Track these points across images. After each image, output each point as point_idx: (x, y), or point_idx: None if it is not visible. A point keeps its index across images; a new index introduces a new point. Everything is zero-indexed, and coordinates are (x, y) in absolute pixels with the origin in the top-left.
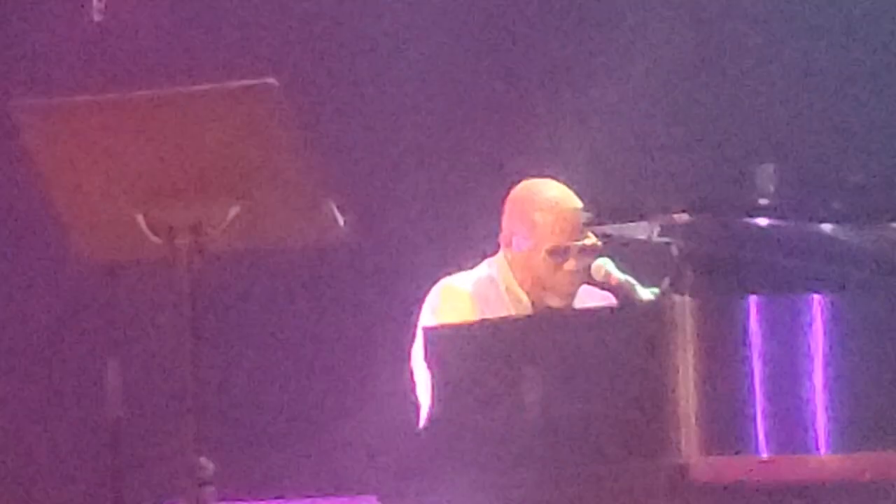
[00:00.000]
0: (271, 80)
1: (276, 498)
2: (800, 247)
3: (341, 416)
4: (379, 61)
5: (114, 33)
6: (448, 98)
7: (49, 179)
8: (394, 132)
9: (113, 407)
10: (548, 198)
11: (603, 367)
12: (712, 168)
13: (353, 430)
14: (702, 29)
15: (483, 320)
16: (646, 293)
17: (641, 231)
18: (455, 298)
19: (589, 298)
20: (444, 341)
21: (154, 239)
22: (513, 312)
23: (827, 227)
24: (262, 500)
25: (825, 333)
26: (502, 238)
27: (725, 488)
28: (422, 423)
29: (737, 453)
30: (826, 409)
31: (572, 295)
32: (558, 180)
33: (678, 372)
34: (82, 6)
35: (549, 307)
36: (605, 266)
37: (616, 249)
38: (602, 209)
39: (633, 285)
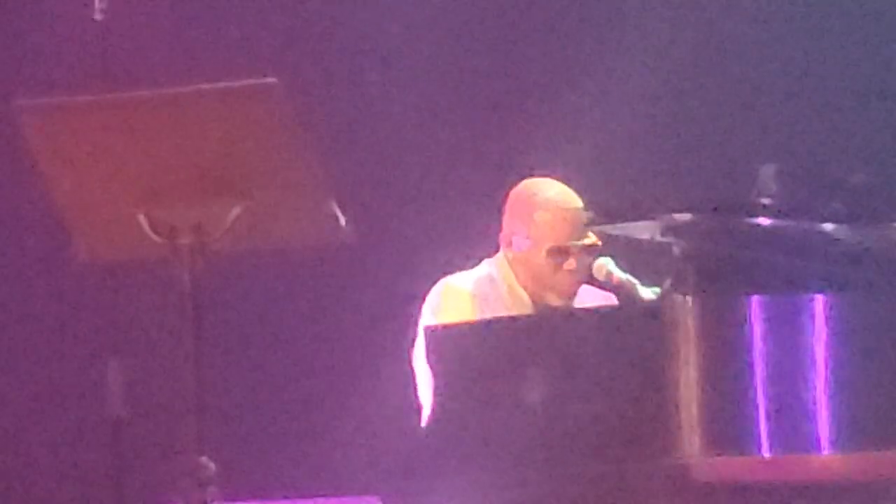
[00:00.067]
0: (273, 80)
1: (278, 498)
2: (801, 247)
3: (343, 416)
4: (380, 61)
5: (115, 33)
6: (449, 98)
7: (50, 179)
8: (395, 132)
9: (114, 407)
10: (548, 197)
11: (604, 367)
12: (714, 168)
13: (354, 430)
14: (704, 29)
15: (484, 319)
16: (647, 293)
17: (643, 231)
18: (455, 298)
19: (589, 298)
20: (445, 341)
21: (156, 239)
22: (513, 312)
23: (829, 227)
24: (263, 500)
25: (827, 333)
26: (502, 237)
27: (727, 488)
28: (423, 423)
29: (739, 453)
30: (828, 408)
31: (572, 294)
32: (559, 180)
33: (680, 372)
34: (84, 6)
35: (551, 306)
36: (606, 265)
37: (618, 249)
38: (604, 209)
39: (634, 285)
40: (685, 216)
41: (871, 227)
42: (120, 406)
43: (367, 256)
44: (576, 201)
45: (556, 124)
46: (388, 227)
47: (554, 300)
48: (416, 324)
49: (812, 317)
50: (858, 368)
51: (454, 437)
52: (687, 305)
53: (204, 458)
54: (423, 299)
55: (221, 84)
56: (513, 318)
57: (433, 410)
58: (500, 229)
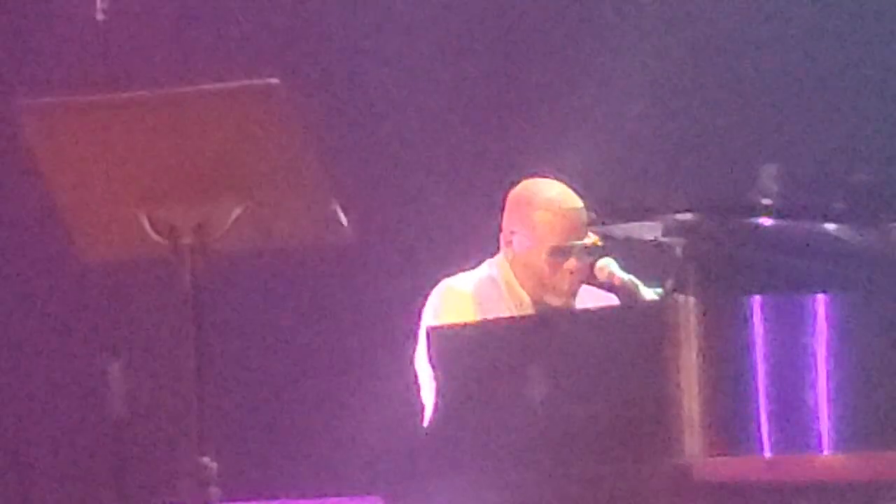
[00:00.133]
0: (274, 81)
1: (280, 498)
2: (803, 247)
3: (345, 416)
4: (381, 61)
5: (117, 33)
6: (450, 98)
7: (52, 179)
8: (396, 132)
9: (115, 407)
10: (548, 197)
11: (606, 368)
12: (716, 168)
13: (356, 430)
14: (705, 28)
15: (486, 320)
16: (649, 293)
17: (645, 231)
18: (456, 299)
19: (589, 298)
20: (446, 341)
21: (157, 239)
22: (514, 312)
23: (830, 227)
24: (265, 500)
25: (828, 333)
26: (503, 238)
27: (729, 488)
28: (425, 423)
29: (740, 453)
30: (829, 408)
31: (573, 294)
32: (561, 180)
33: (681, 372)
34: (85, 6)
35: (553, 307)
36: (608, 266)
37: (620, 249)
38: (606, 209)
39: (636, 285)
40: (686, 216)
41: (873, 227)
42: (121, 406)
43: (368, 256)
44: (576, 201)
45: (557, 124)
46: (389, 228)
47: (554, 300)
48: (417, 325)
49: (813, 317)
50: (859, 368)
51: (456, 436)
52: (688, 306)
53: (205, 459)
54: (425, 300)
55: (223, 84)
56: (514, 319)
57: (434, 410)
58: (500, 229)
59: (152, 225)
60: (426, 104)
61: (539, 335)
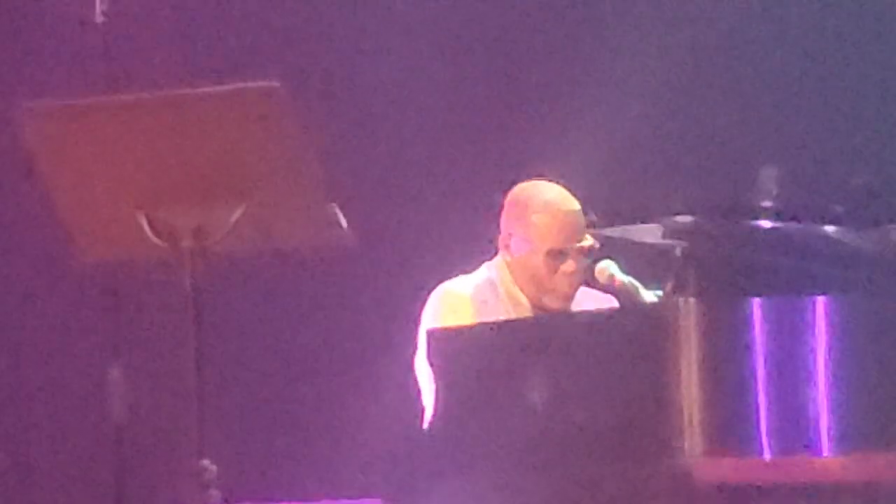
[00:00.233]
0: (274, 83)
1: (281, 501)
2: (803, 249)
3: (345, 418)
4: (381, 64)
5: (116, 35)
6: (449, 100)
7: (52, 181)
8: (395, 135)
9: (116, 410)
10: (545, 200)
11: (607, 369)
12: (715, 170)
13: (356, 432)
14: (705, 30)
15: (487, 322)
16: (649, 295)
17: (645, 233)
18: (455, 303)
19: (589, 300)
20: (447, 343)
21: (157, 241)
22: (512, 315)
23: (830, 230)
24: (265, 503)
25: (828, 335)
26: (501, 241)
27: (729, 490)
28: (426, 426)
29: (740, 455)
30: (829, 410)
31: (571, 297)
32: (561, 183)
33: (681, 374)
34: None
35: (552, 309)
36: (608, 268)
37: (620, 251)
38: (606, 211)
39: (636, 287)
40: (687, 218)
41: (872, 230)
42: (121, 409)
43: (368, 259)
44: (574, 203)
45: (556, 127)
46: (388, 230)
47: (552, 303)
48: (416, 328)
49: (813, 319)
50: (859, 370)
51: (456, 438)
52: (688, 307)
53: (206, 462)
54: (424, 303)
55: (223, 87)
56: (515, 321)
57: (435, 412)
58: (498, 232)
59: (152, 227)
60: (425, 107)
61: (540, 337)
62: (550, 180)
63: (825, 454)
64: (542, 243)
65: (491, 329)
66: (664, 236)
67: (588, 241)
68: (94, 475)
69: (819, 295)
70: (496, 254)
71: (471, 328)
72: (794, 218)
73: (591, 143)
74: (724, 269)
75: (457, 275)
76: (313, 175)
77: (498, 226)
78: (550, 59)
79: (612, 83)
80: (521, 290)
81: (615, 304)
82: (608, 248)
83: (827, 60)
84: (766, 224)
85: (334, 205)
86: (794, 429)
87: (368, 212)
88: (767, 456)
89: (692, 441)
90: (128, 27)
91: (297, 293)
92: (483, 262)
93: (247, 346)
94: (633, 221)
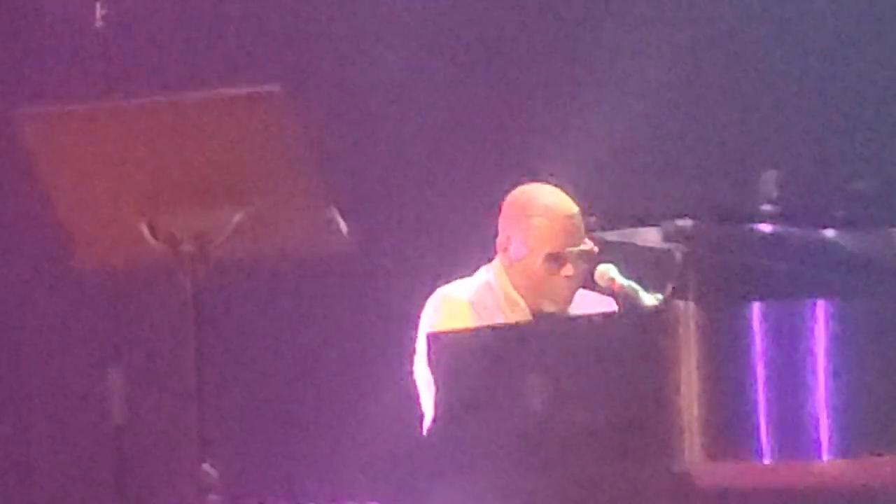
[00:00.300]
0: (274, 88)
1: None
2: (803, 253)
3: (345, 422)
4: (380, 69)
5: (116, 40)
6: (447, 105)
7: (52, 187)
8: (394, 139)
9: (116, 413)
10: (544, 203)
11: (607, 373)
12: (716, 174)
13: (356, 435)
14: (706, 34)
15: (487, 326)
16: (649, 299)
17: (645, 237)
18: (452, 307)
19: (588, 303)
20: (447, 347)
21: (157, 246)
22: (510, 319)
23: (830, 233)
24: None
25: (828, 339)
26: (499, 244)
27: (729, 494)
28: (425, 430)
29: (740, 459)
30: (829, 414)
31: (569, 300)
32: (561, 186)
33: (681, 378)
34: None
35: (551, 313)
36: (608, 272)
37: (620, 255)
38: (606, 215)
39: (636, 291)
40: (687, 222)
41: (873, 234)
42: (122, 413)
43: (367, 261)
44: (572, 207)
45: (555, 130)
46: (388, 234)
47: (550, 306)
48: (415, 332)
49: (813, 323)
50: (859, 374)
51: (456, 441)
52: (689, 311)
53: (206, 465)
54: (423, 306)
55: (223, 91)
56: (515, 325)
57: (435, 415)
58: (496, 235)
59: (153, 232)
60: (424, 112)
61: (540, 341)
62: (550, 183)
63: (825, 458)
64: (540, 247)
65: (491, 332)
66: (664, 240)
67: (587, 245)
68: (94, 477)
69: (819, 299)
70: (494, 257)
71: (470, 331)
72: (794, 222)
73: (591, 145)
74: (724, 273)
75: (456, 277)
76: (313, 179)
77: (496, 228)
78: (549, 64)
79: (612, 86)
80: (520, 293)
81: (613, 306)
82: (608, 252)
83: (827, 63)
84: (766, 228)
85: (334, 209)
86: (793, 432)
87: (368, 215)
88: (767, 459)
89: (692, 445)
90: (128, 32)
91: (296, 296)
92: (482, 264)
93: (247, 348)
94: (633, 225)
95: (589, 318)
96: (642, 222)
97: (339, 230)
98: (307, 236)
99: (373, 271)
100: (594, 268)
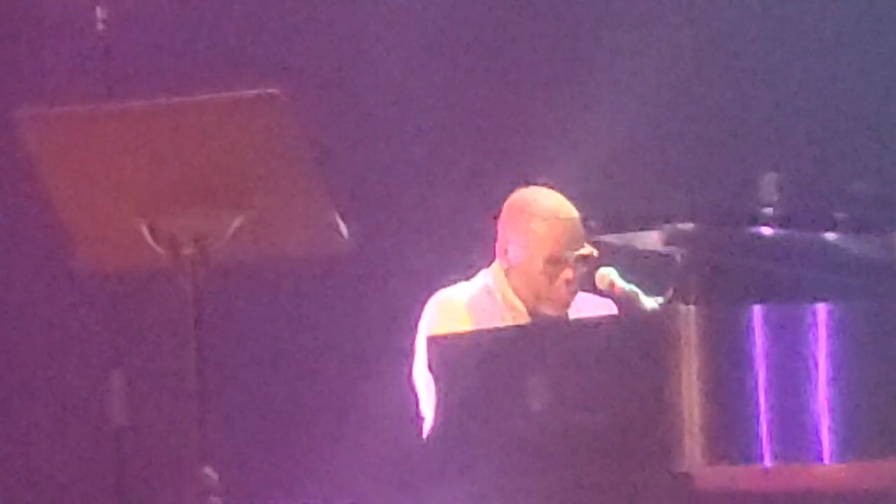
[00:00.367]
0: (274, 91)
1: None
2: (804, 256)
3: (346, 425)
4: (381, 72)
5: (117, 43)
6: (448, 109)
7: (52, 189)
8: (395, 142)
9: (116, 417)
10: (544, 207)
11: (607, 376)
12: (716, 177)
13: (358, 437)
14: (706, 38)
15: (488, 329)
16: (650, 302)
17: (646, 240)
18: (450, 310)
19: (587, 305)
20: (448, 350)
21: (158, 249)
22: (509, 322)
23: (831, 237)
24: None
25: (829, 342)
26: (498, 247)
27: (730, 497)
28: (425, 434)
29: (741, 462)
30: (830, 417)
31: (568, 304)
32: (562, 189)
33: (682, 381)
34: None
35: (553, 316)
36: (609, 275)
37: (621, 258)
38: (607, 218)
39: (637, 294)
40: (688, 225)
41: (874, 237)
42: (122, 416)
43: (368, 264)
44: (572, 211)
45: (556, 133)
46: (388, 236)
47: (550, 310)
48: (415, 335)
49: (814, 326)
50: (860, 377)
51: (456, 444)
52: (689, 315)
53: (207, 469)
54: (422, 310)
55: (224, 94)
56: (516, 328)
57: (435, 418)
58: (496, 239)
59: (153, 235)
60: (424, 114)
61: (541, 344)
62: (550, 186)
63: (826, 461)
64: (541, 251)
65: (492, 334)
66: (665, 243)
67: (587, 249)
68: (95, 480)
69: (820, 302)
70: (493, 260)
71: (471, 334)
72: (795, 225)
73: (591, 148)
74: (725, 277)
75: (457, 279)
76: (314, 182)
77: (496, 231)
78: (549, 67)
79: (613, 88)
80: (519, 296)
81: (613, 309)
82: (608, 255)
83: (827, 64)
84: (767, 231)
85: (334, 212)
86: (794, 435)
87: (368, 217)
88: (768, 463)
89: (692, 448)
90: (128, 34)
91: (297, 298)
92: (482, 266)
93: (247, 350)
94: (633, 228)
95: (590, 320)
96: (643, 225)
97: (339, 232)
98: (308, 239)
99: (373, 273)
100: (595, 271)
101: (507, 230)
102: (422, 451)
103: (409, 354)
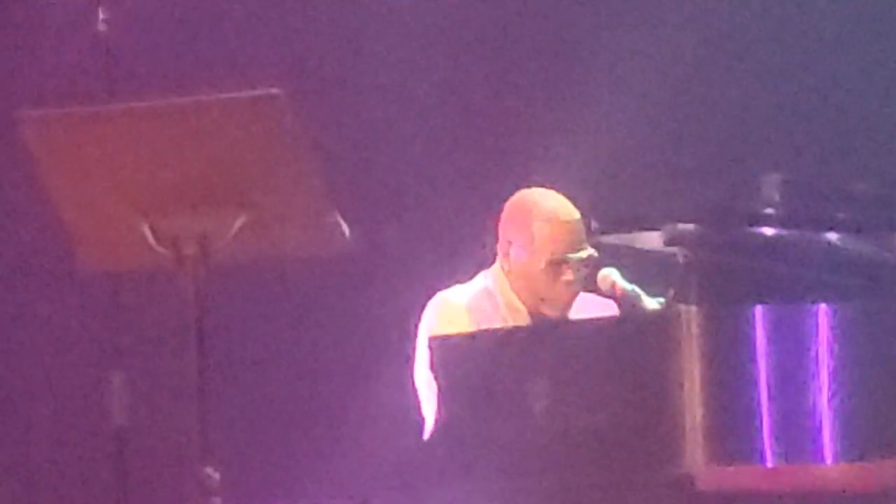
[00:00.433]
0: (276, 91)
1: None
2: (805, 256)
3: (347, 425)
4: (382, 73)
5: (118, 44)
6: (449, 110)
7: (54, 190)
8: (396, 143)
9: (118, 417)
10: (546, 208)
11: (609, 377)
12: (717, 177)
13: (360, 437)
14: (707, 38)
15: (490, 329)
16: (652, 303)
17: (647, 241)
18: (450, 313)
19: (588, 306)
20: (449, 351)
21: (160, 249)
22: (510, 324)
23: (832, 237)
24: None
25: (830, 343)
26: (499, 248)
27: (731, 498)
28: (427, 435)
29: (743, 463)
30: (832, 418)
31: (569, 305)
32: (562, 190)
33: (684, 381)
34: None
35: (550, 317)
36: (611, 276)
37: (622, 259)
38: (608, 219)
39: (638, 295)
40: (689, 226)
41: (875, 237)
42: (124, 416)
43: (369, 264)
44: (573, 212)
45: (557, 134)
46: (392, 238)
47: (550, 311)
48: (415, 338)
49: (816, 326)
50: (862, 378)
51: (459, 446)
52: (691, 315)
53: (208, 469)
54: (422, 311)
55: (225, 95)
56: (517, 328)
57: (437, 420)
58: (496, 240)
59: (155, 235)
60: (425, 114)
61: (542, 345)
62: (551, 187)
63: (828, 461)
64: (542, 252)
65: (493, 336)
66: (666, 243)
67: (588, 250)
68: (96, 480)
69: (822, 303)
70: (494, 261)
71: (472, 335)
72: (796, 225)
73: (592, 149)
74: (727, 277)
75: (457, 279)
76: (315, 182)
77: (496, 232)
78: (550, 68)
79: (613, 88)
80: (520, 298)
81: (614, 310)
82: (610, 256)
83: (829, 65)
84: (768, 231)
85: (336, 212)
86: (796, 436)
87: (370, 217)
88: (770, 463)
89: (694, 448)
90: (129, 35)
91: (299, 300)
92: (483, 267)
93: (249, 351)
94: (634, 229)
95: (591, 321)
96: (644, 226)
97: (340, 233)
98: (309, 239)
99: (374, 273)
100: (596, 272)
101: (508, 231)
102: (423, 452)
103: (410, 355)
